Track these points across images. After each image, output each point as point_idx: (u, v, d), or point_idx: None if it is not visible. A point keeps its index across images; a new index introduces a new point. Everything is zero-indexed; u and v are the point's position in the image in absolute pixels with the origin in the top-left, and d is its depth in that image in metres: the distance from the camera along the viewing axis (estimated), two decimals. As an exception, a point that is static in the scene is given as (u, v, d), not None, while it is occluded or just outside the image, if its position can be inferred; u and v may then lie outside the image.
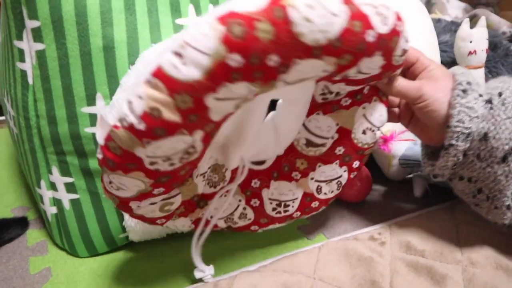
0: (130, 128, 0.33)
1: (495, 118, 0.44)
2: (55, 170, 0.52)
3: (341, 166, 0.50)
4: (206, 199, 0.48)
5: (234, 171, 0.49)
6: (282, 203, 0.50)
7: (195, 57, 0.30)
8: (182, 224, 0.49)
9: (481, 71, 0.70)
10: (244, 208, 0.51)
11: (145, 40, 0.47)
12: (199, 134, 0.35)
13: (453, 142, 0.45)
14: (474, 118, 0.44)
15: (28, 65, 0.48)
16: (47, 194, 0.54)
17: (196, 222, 0.49)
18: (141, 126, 0.33)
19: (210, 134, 0.36)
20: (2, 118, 0.89)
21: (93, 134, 0.49)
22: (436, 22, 0.86)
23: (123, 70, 0.47)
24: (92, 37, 0.46)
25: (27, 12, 0.46)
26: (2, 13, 0.50)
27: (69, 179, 0.52)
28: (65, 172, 0.52)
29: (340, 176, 0.50)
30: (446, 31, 0.77)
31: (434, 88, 0.46)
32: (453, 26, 0.81)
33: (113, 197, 0.40)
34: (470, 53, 0.68)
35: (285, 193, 0.50)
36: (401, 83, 0.47)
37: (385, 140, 0.62)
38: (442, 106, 0.45)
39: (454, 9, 1.16)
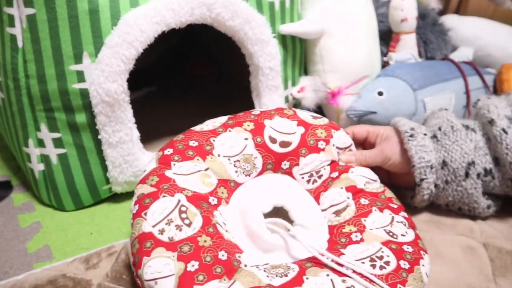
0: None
1: (445, 147, 0.55)
2: (43, 126, 0.57)
3: (381, 210, 0.52)
4: None
5: (265, 159, 0.54)
6: None
7: None
8: None
9: (413, 36, 0.82)
10: None
11: (125, 4, 0.54)
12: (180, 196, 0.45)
13: (423, 176, 0.55)
14: (430, 152, 0.55)
15: (18, 30, 0.54)
16: (34, 152, 0.59)
17: None
18: (135, 208, 0.45)
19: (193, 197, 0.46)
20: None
21: (80, 90, 0.55)
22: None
23: (107, 31, 0.54)
24: (79, 2, 0.52)
25: (17, -20, 0.52)
26: (-10, -16, 0.56)
27: (56, 135, 0.58)
28: (53, 128, 0.57)
29: (392, 217, 0.52)
30: (384, 4, 0.89)
31: (392, 146, 0.58)
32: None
33: None
34: (402, 20, 0.80)
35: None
36: (366, 154, 0.58)
37: (333, 95, 0.72)
38: (403, 156, 0.56)
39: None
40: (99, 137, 0.58)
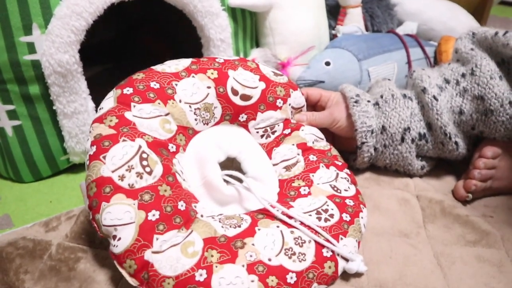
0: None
1: (385, 113, 0.60)
2: (-4, 99, 0.58)
3: (327, 167, 0.56)
4: None
5: (224, 110, 0.55)
6: None
7: None
8: None
9: (359, 10, 0.86)
10: None
11: (73, -24, 0.56)
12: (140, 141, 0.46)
13: (364, 140, 0.59)
14: (371, 118, 0.59)
15: (-36, 2, 0.54)
16: (-11, 125, 0.60)
17: None
18: (92, 150, 0.45)
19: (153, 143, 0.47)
20: None
21: (32, 61, 0.56)
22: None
23: (55, 2, 0.55)
24: (25, -28, 0.53)
25: (-39, -49, 0.52)
26: None
27: (10, 107, 0.59)
28: (6, 100, 0.58)
29: (337, 173, 0.56)
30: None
31: (340, 110, 0.61)
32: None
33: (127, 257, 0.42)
34: (349, -6, 0.84)
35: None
36: (317, 116, 0.62)
37: (283, 66, 0.75)
38: (349, 120, 0.60)
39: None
40: (54, 107, 0.59)
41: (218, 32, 0.69)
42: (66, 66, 0.56)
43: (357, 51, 0.79)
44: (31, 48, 0.56)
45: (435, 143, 0.61)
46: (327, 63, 0.77)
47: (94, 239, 0.50)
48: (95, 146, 0.46)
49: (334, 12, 0.89)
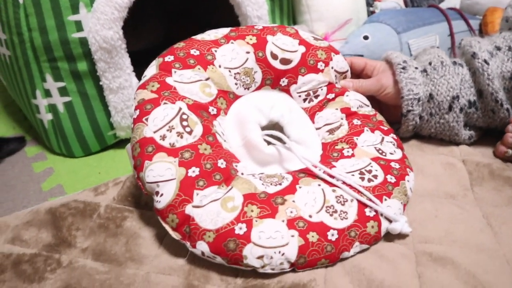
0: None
1: (433, 81, 0.58)
2: (48, 77, 0.62)
3: (372, 131, 0.55)
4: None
5: (265, 74, 0.56)
6: None
7: None
8: None
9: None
10: None
11: (116, -45, 0.59)
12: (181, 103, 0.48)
13: (410, 108, 0.58)
14: (418, 85, 0.58)
15: (19, -14, 0.58)
16: (42, 103, 0.64)
17: None
18: (135, 113, 0.47)
19: (193, 105, 0.49)
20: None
21: (79, 39, 0.60)
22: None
23: (100, -19, 0.58)
24: (72, -46, 0.57)
25: None
26: None
27: (61, 84, 0.62)
28: (57, 77, 0.62)
29: (382, 137, 0.56)
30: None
31: (387, 77, 0.60)
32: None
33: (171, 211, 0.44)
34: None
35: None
36: (363, 82, 0.61)
37: (321, 41, 0.75)
38: (396, 87, 0.59)
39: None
40: (101, 83, 0.62)
41: (255, 9, 0.70)
42: (110, 42, 0.59)
43: (396, 24, 0.77)
44: (79, 26, 0.59)
45: (485, 111, 0.58)
46: (365, 37, 0.76)
47: (140, 200, 0.52)
48: (138, 110, 0.48)
49: (372, -11, 0.88)
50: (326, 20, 0.78)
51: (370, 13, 0.86)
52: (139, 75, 0.65)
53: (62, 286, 0.42)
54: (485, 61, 0.56)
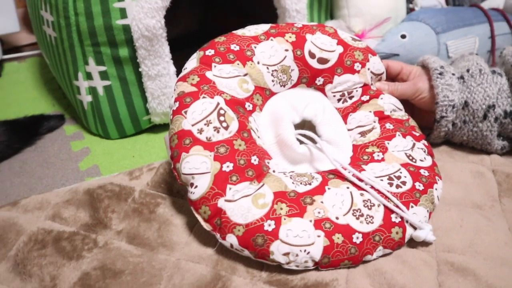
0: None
1: (469, 88, 0.57)
2: (91, 60, 0.64)
3: (404, 136, 0.56)
4: None
5: (301, 72, 0.57)
6: None
7: None
8: None
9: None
10: None
11: None
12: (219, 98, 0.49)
13: (443, 114, 0.58)
14: (454, 92, 0.57)
15: (68, -29, 0.60)
16: (83, 85, 0.67)
17: None
18: (175, 105, 0.49)
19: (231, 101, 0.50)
20: (20, 54, 1.01)
21: (123, 25, 0.61)
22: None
23: (146, -30, 0.59)
24: None
25: None
26: None
27: (102, 68, 0.65)
28: (99, 61, 0.64)
29: (414, 143, 0.56)
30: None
31: (424, 81, 0.60)
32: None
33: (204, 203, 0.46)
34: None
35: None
36: (399, 86, 0.61)
37: (358, 37, 0.75)
38: (431, 92, 0.59)
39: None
40: (140, 70, 0.64)
41: (294, 2, 0.71)
42: (152, 31, 0.61)
43: (435, 24, 0.76)
44: (123, 13, 0.61)
45: None
46: (403, 36, 0.75)
47: (172, 188, 0.55)
48: (178, 102, 0.49)
49: (413, -15, 0.87)
50: (363, 16, 0.77)
51: (410, 10, 0.84)
52: (175, 60, 0.67)
53: (98, 265, 0.45)
54: None
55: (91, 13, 0.61)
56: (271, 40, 0.56)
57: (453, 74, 0.59)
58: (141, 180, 0.56)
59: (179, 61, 0.73)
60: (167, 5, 0.61)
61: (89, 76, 0.66)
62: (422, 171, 0.52)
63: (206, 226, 0.46)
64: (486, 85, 0.57)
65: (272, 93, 0.56)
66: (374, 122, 0.57)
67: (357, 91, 0.59)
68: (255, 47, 0.55)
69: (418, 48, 0.75)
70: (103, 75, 0.65)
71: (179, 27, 0.92)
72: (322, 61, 0.57)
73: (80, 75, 0.66)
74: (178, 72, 0.67)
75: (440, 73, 0.59)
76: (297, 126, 0.54)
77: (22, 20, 1.08)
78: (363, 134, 0.56)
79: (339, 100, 0.59)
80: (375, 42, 0.76)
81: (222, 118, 0.48)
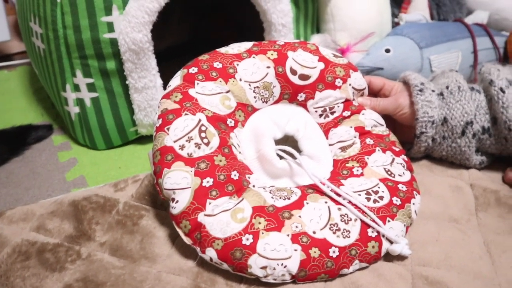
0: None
1: (448, 105, 0.59)
2: (78, 73, 0.65)
3: (384, 151, 0.57)
4: None
5: (283, 89, 0.58)
6: None
7: None
8: None
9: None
10: None
11: (149, -38, 0.61)
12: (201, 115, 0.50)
13: (423, 130, 0.59)
14: (434, 108, 0.59)
15: (56, -15, 0.61)
16: (71, 96, 0.67)
17: None
18: (158, 122, 0.50)
19: (213, 117, 0.51)
20: (10, 63, 1.01)
21: (110, 39, 0.62)
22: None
23: (133, -14, 0.61)
24: (108, -41, 0.59)
25: None
26: None
27: (90, 80, 0.65)
28: (87, 74, 0.65)
29: (393, 158, 0.57)
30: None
31: (405, 97, 0.61)
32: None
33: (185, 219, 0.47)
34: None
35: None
36: (381, 101, 0.62)
37: (342, 52, 0.76)
38: (412, 108, 0.60)
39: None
40: (127, 82, 0.65)
41: (280, 17, 0.72)
42: (139, 44, 0.62)
43: (419, 39, 0.78)
44: (110, 27, 0.62)
45: (498, 138, 0.59)
46: (387, 50, 0.77)
47: (156, 200, 0.56)
48: (161, 119, 0.51)
49: (398, 0, 0.88)
50: (349, 30, 0.79)
51: (395, 24, 0.86)
52: (163, 72, 0.68)
53: (80, 277, 0.46)
54: (501, 89, 0.57)
55: (79, 26, 0.62)
56: (253, 57, 0.57)
57: (433, 91, 0.60)
58: (126, 191, 0.57)
59: (168, 72, 0.75)
60: (153, 20, 0.62)
61: (76, 88, 0.66)
62: (400, 186, 0.53)
63: (187, 240, 0.47)
64: (464, 102, 0.59)
65: (254, 109, 0.57)
66: (355, 137, 0.58)
67: (338, 106, 0.60)
68: (237, 65, 0.56)
69: (402, 63, 0.77)
70: (91, 87, 0.66)
71: (169, 38, 0.94)
72: (303, 77, 0.58)
73: (67, 86, 0.67)
74: (167, 83, 0.69)
75: (420, 90, 0.60)
76: (280, 141, 0.56)
77: (13, 28, 1.09)
78: (343, 149, 0.58)
79: (320, 115, 0.60)
80: (360, 56, 0.77)
81: (203, 135, 0.50)
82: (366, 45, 0.79)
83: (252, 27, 0.80)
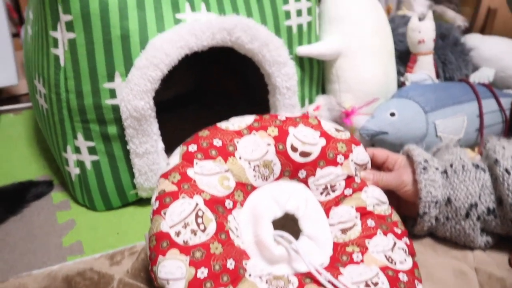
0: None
1: (452, 185, 0.58)
2: (80, 136, 0.65)
3: (385, 234, 0.55)
4: None
5: (284, 166, 0.57)
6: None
7: None
8: None
9: (430, 57, 0.84)
10: None
11: (153, 30, 0.61)
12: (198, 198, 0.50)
13: (426, 210, 0.58)
14: (438, 188, 0.58)
15: (60, 51, 0.61)
16: (72, 157, 0.67)
17: None
18: (155, 205, 0.49)
19: (210, 200, 0.50)
20: (17, 106, 1.02)
21: (112, 105, 0.62)
22: (401, 17, 1.00)
23: (136, 54, 0.60)
24: (112, 28, 0.59)
25: (62, 8, 0.59)
26: (39, 9, 0.63)
27: (91, 143, 0.65)
28: (88, 137, 0.65)
29: (394, 242, 0.55)
30: (404, 24, 0.91)
31: (408, 174, 0.60)
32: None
33: None
34: (419, 42, 0.83)
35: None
36: (384, 176, 0.61)
37: (347, 114, 0.76)
38: (415, 185, 0.59)
39: (419, 6, 1.29)
40: (128, 147, 0.65)
41: (284, 80, 0.72)
42: (141, 112, 0.61)
43: (424, 103, 0.77)
44: (113, 93, 0.62)
45: (504, 219, 0.57)
46: (392, 114, 0.76)
47: (152, 278, 0.54)
48: (158, 202, 0.50)
49: (404, 58, 0.88)
50: (354, 92, 0.78)
51: (401, 83, 0.86)
52: (167, 123, 0.67)
53: None
54: (507, 170, 0.56)
55: (81, 91, 0.62)
56: (254, 134, 0.56)
57: (437, 169, 0.59)
58: (122, 266, 0.56)
59: (171, 125, 0.74)
60: (156, 87, 0.62)
61: (77, 150, 0.66)
62: (401, 275, 0.51)
63: None
64: (469, 183, 0.57)
65: (254, 188, 0.56)
66: (356, 218, 0.57)
67: (340, 184, 0.59)
68: (237, 142, 0.55)
69: (407, 127, 0.76)
70: (92, 150, 0.66)
71: (174, 88, 0.94)
72: (304, 154, 0.58)
73: (68, 148, 0.66)
74: (168, 137, 0.68)
75: (424, 168, 0.59)
76: (281, 217, 0.54)
77: (22, 67, 1.10)
78: (344, 231, 0.56)
79: (322, 193, 0.59)
80: (365, 119, 0.76)
81: (200, 220, 0.49)
82: (371, 107, 0.78)
83: (257, 79, 0.80)
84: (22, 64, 1.10)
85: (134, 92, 0.61)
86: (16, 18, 1.22)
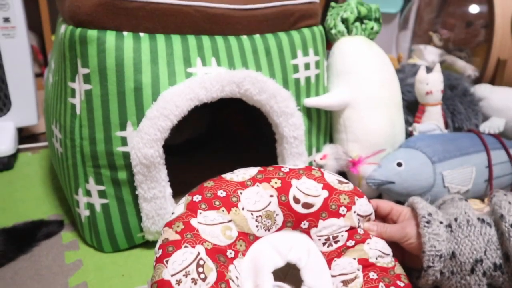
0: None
1: (457, 239, 0.58)
2: (91, 180, 0.67)
3: (387, 287, 0.55)
4: None
5: (286, 217, 0.58)
6: None
7: None
8: None
9: (438, 108, 0.85)
10: None
11: (164, 83, 0.64)
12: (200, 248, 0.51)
13: (430, 264, 0.58)
14: (442, 242, 0.58)
15: (77, 100, 0.65)
16: (83, 200, 0.69)
17: None
18: (158, 252, 0.51)
19: (212, 250, 0.52)
20: (35, 145, 1.06)
21: (123, 152, 0.65)
22: (412, 66, 1.02)
23: (148, 105, 0.63)
24: (127, 81, 0.62)
25: (80, 62, 0.63)
26: (60, 61, 0.67)
27: (101, 187, 0.67)
28: (99, 181, 0.67)
29: None
30: (413, 75, 0.93)
31: (412, 227, 0.61)
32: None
33: None
34: (427, 93, 0.84)
35: None
36: (388, 228, 0.62)
37: (354, 164, 0.77)
38: (419, 239, 0.59)
39: (430, 54, 1.32)
40: (136, 192, 0.67)
41: (291, 130, 0.74)
42: (150, 159, 0.64)
43: (432, 153, 0.77)
44: (124, 141, 0.64)
45: (511, 275, 0.56)
46: (399, 164, 0.77)
47: (152, 327, 0.55)
48: (161, 250, 0.51)
49: (413, 108, 0.89)
50: (361, 142, 0.79)
51: (409, 133, 0.86)
52: (178, 167, 0.69)
53: None
54: None
55: (94, 139, 0.65)
56: (257, 186, 0.58)
57: (441, 222, 0.59)
58: (123, 313, 0.57)
59: (183, 169, 0.76)
60: (165, 136, 0.64)
61: (88, 193, 0.68)
62: None
63: None
64: (473, 238, 0.57)
65: (256, 238, 0.57)
66: (358, 270, 0.57)
67: (342, 235, 0.59)
68: (241, 193, 0.57)
69: (414, 177, 0.76)
70: (102, 194, 0.68)
71: (188, 132, 0.96)
72: (306, 206, 0.58)
73: (80, 191, 0.69)
74: (179, 181, 0.69)
75: (428, 221, 0.59)
76: (284, 269, 0.55)
77: (42, 105, 1.15)
78: (345, 283, 0.56)
79: (324, 244, 0.59)
80: (371, 168, 0.77)
81: (200, 269, 0.49)
82: (378, 157, 0.79)
83: (269, 125, 0.82)
84: (42, 103, 1.16)
85: (145, 140, 0.63)
86: (41, 59, 1.29)
